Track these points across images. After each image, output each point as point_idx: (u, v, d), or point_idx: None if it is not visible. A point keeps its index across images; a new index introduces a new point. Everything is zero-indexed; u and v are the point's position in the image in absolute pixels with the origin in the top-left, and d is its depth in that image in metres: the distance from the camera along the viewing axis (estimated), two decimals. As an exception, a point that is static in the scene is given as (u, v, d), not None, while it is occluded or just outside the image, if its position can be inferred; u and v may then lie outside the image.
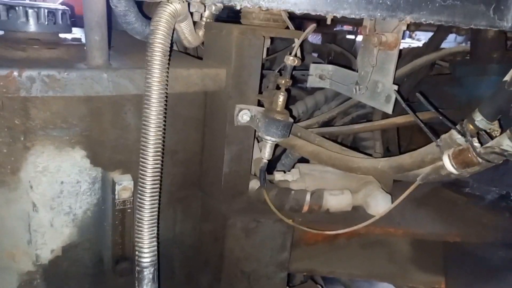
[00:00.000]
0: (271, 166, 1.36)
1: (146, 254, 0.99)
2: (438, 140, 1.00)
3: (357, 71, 1.21)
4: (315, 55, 2.23)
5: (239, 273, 1.20)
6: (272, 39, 1.20)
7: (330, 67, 1.35)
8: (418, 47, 1.65)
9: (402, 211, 1.27)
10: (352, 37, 2.59)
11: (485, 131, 0.93)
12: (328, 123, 1.59)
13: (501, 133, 0.91)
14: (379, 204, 1.17)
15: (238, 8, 0.90)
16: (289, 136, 1.11)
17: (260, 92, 1.12)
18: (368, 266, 1.27)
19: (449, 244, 1.22)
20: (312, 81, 1.37)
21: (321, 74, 1.35)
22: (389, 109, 1.12)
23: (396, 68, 1.15)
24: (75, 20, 1.24)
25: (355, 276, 1.39)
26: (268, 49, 1.22)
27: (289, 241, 1.17)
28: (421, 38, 4.39)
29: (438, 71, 1.61)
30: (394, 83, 1.12)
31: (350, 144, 1.65)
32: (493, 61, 1.31)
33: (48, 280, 1.10)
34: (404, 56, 1.48)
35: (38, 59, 1.00)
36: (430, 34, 1.69)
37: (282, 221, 1.14)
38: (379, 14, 0.75)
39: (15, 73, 0.87)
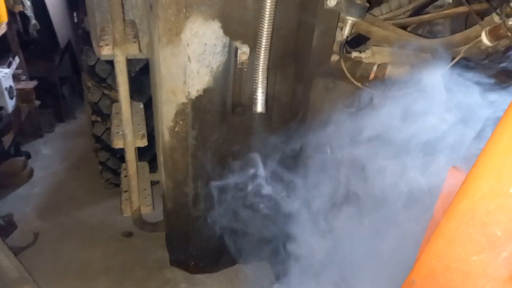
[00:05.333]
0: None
1: (259, 92, 1.51)
2: (482, 21, 1.29)
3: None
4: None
5: (318, 120, 1.68)
6: None
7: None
8: None
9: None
10: None
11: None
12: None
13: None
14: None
15: None
16: (364, 17, 1.48)
17: (346, -18, 1.48)
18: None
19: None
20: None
21: (401, -28, 1.63)
22: (449, -2, 1.40)
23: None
24: None
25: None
26: None
27: (357, 99, 1.60)
28: None
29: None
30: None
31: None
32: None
33: (194, 110, 1.71)
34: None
35: None
36: None
37: (353, 84, 1.56)
38: None
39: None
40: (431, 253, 0.83)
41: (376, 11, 1.91)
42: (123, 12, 1.70)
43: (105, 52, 1.72)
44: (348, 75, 1.55)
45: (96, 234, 2.94)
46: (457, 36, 1.37)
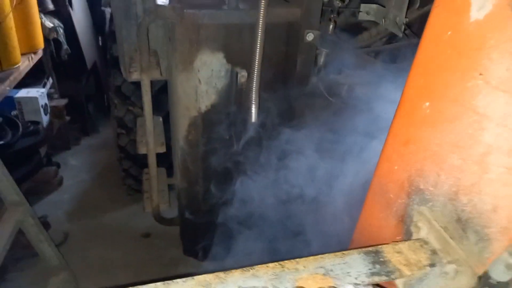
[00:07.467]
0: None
1: (253, 107, 1.92)
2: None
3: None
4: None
5: (301, 131, 2.07)
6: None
7: (374, 6, 2.02)
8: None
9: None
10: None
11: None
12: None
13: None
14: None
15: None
16: (335, 49, 1.89)
17: (320, 22, 1.90)
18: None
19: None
20: (362, 16, 2.07)
21: (367, 11, 2.03)
22: (400, 33, 1.80)
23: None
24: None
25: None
26: None
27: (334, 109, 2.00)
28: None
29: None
30: (407, 17, 1.79)
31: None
32: None
33: (203, 121, 2.13)
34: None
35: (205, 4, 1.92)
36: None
37: (328, 100, 1.96)
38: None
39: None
40: (363, 216, 1.22)
41: (359, 38, 2.32)
42: (148, 45, 2.15)
43: (134, 77, 2.16)
44: (325, 94, 1.95)
45: (118, 235, 3.29)
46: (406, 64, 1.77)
